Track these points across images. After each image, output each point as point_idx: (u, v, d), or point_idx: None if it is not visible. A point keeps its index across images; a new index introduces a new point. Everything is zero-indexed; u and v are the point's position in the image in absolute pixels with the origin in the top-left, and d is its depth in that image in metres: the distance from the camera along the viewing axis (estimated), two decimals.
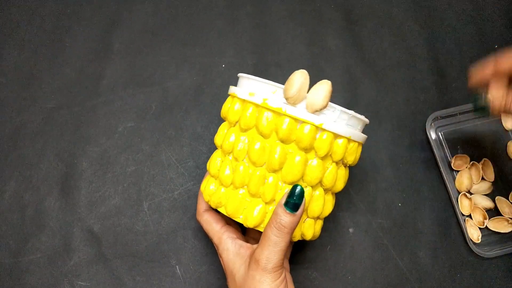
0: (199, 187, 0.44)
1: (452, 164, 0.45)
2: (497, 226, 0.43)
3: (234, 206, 0.32)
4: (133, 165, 0.45)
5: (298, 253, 0.42)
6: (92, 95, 0.47)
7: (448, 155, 0.46)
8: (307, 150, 0.30)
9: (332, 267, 0.42)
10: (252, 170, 0.31)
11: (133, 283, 0.41)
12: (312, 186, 0.31)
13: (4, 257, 0.41)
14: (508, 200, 0.44)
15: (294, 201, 0.29)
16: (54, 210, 0.43)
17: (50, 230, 0.42)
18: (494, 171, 0.45)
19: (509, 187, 0.45)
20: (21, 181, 0.44)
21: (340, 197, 0.44)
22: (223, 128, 0.35)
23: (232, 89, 0.33)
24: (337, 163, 0.32)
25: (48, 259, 0.41)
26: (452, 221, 0.44)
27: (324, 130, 0.30)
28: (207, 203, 0.36)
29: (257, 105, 0.31)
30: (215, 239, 0.35)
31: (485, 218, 0.43)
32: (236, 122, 0.32)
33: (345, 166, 0.34)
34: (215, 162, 0.34)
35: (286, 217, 0.29)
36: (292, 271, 0.41)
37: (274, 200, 0.31)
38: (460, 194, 0.44)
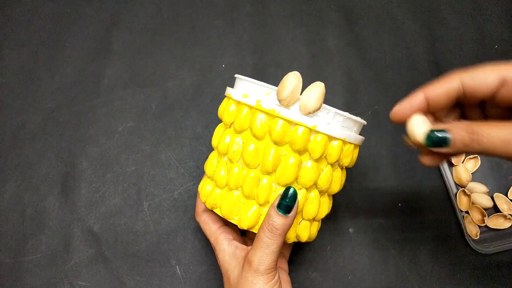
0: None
1: (451, 159, 0.45)
2: (496, 223, 0.44)
3: (228, 207, 0.32)
4: (133, 165, 0.45)
5: (297, 253, 0.42)
6: (92, 95, 0.47)
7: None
8: (301, 152, 0.30)
9: (332, 267, 0.42)
10: (246, 171, 0.31)
11: (133, 283, 0.41)
12: (306, 188, 0.31)
13: (4, 257, 0.41)
14: (507, 196, 0.44)
15: (286, 203, 0.29)
16: (54, 210, 0.43)
17: (50, 230, 0.42)
18: (493, 169, 0.46)
19: (508, 184, 0.45)
20: (21, 181, 0.44)
21: (340, 197, 0.44)
22: (219, 130, 0.35)
23: (228, 90, 0.33)
24: (332, 165, 0.32)
25: (48, 259, 0.41)
26: (451, 220, 0.44)
27: (318, 132, 0.30)
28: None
29: (251, 107, 0.31)
30: (212, 240, 0.35)
31: (484, 216, 0.43)
32: (231, 123, 0.32)
33: (341, 168, 0.34)
34: (211, 163, 0.34)
35: (278, 219, 0.29)
36: (292, 271, 0.41)
37: (268, 202, 0.31)
38: (459, 191, 0.44)
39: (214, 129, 0.36)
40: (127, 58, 0.49)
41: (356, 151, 0.33)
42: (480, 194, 0.44)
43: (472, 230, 0.43)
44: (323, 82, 0.30)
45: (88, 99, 0.47)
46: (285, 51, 0.50)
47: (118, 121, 0.46)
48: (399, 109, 0.27)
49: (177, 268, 0.42)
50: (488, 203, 0.44)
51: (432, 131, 0.25)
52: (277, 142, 0.30)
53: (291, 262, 0.41)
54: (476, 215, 0.44)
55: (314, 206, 0.32)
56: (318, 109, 0.29)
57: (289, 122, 0.29)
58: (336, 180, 0.33)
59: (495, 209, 0.44)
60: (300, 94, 0.29)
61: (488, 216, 0.44)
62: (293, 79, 0.29)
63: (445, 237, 0.44)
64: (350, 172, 0.45)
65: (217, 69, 0.49)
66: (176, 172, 0.45)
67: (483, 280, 0.42)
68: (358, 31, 0.51)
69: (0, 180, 0.44)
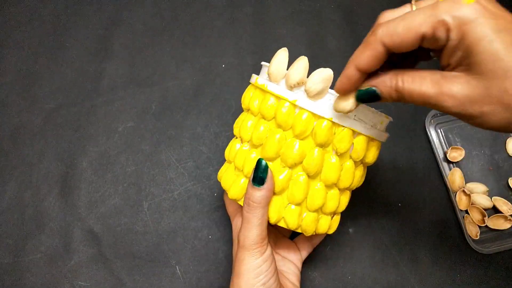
0: (199, 187, 0.44)
1: (447, 156, 0.45)
2: (496, 223, 0.44)
3: (228, 181, 0.34)
4: (133, 165, 0.45)
5: None
6: (92, 95, 0.47)
7: (447, 152, 0.46)
8: (281, 126, 0.30)
9: (332, 267, 0.42)
10: (240, 145, 0.33)
11: (133, 283, 0.41)
12: (290, 167, 0.31)
13: (4, 257, 0.41)
14: (508, 185, 0.45)
15: (258, 175, 0.30)
16: (54, 210, 0.43)
17: (50, 230, 0.42)
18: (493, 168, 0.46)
19: (508, 184, 0.45)
20: (21, 181, 0.44)
21: None
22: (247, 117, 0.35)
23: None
24: (321, 146, 0.30)
25: (48, 259, 0.41)
26: (451, 220, 0.44)
27: (302, 109, 0.29)
28: None
29: (252, 85, 0.33)
30: (231, 219, 0.38)
31: (484, 216, 0.43)
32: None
33: (338, 156, 0.31)
34: (229, 146, 0.36)
35: (254, 192, 0.30)
36: None
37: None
38: (459, 190, 0.44)
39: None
40: (127, 58, 0.49)
41: (351, 137, 0.30)
42: (479, 194, 0.44)
43: (472, 230, 0.43)
44: None
45: (88, 99, 0.47)
46: None
47: (118, 121, 0.46)
48: (341, 86, 0.27)
49: (177, 268, 0.42)
50: (487, 203, 0.44)
51: (359, 90, 0.27)
52: (264, 117, 0.31)
53: None
54: (476, 215, 0.44)
55: (300, 188, 0.31)
56: (303, 83, 0.29)
57: (277, 97, 0.30)
58: (330, 167, 0.31)
59: (495, 210, 0.44)
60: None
61: (488, 217, 0.44)
62: (280, 54, 0.30)
63: (445, 237, 0.44)
64: None
65: (217, 69, 0.49)
66: (176, 172, 0.45)
67: (483, 280, 0.42)
68: (358, 31, 0.51)
69: (0, 180, 0.44)
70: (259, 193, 0.30)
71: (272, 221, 0.32)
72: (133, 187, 0.44)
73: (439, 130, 0.47)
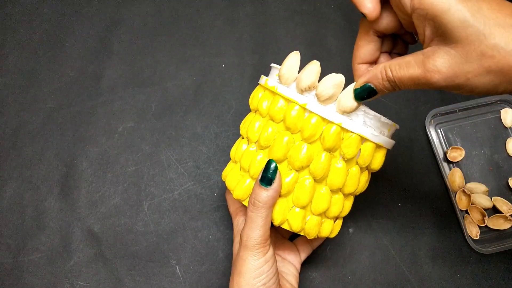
0: (199, 187, 0.44)
1: (447, 156, 0.45)
2: (496, 223, 0.44)
3: (233, 181, 0.34)
4: (133, 165, 0.45)
5: None
6: (92, 95, 0.47)
7: (447, 152, 0.46)
8: (290, 129, 0.30)
9: (332, 267, 0.42)
10: (246, 146, 0.33)
11: (133, 283, 0.41)
12: (297, 170, 0.31)
13: (4, 257, 0.41)
14: (508, 185, 0.45)
15: (267, 175, 0.30)
16: (54, 210, 0.43)
17: (50, 230, 0.42)
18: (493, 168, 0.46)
19: (508, 184, 0.45)
20: (21, 181, 0.44)
21: None
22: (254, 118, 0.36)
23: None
24: (329, 151, 0.30)
25: (48, 259, 0.41)
26: (451, 220, 0.44)
27: (311, 112, 0.29)
28: None
29: (261, 86, 0.33)
30: (232, 217, 0.38)
31: (484, 216, 0.43)
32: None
33: (345, 161, 0.31)
34: (235, 146, 0.36)
35: (260, 192, 0.30)
36: None
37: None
38: (459, 190, 0.44)
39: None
40: (127, 58, 0.49)
41: (369, 148, 0.31)
42: (479, 194, 0.44)
43: (472, 230, 0.43)
44: None
45: (88, 99, 0.47)
46: (285, 51, 0.49)
47: (118, 121, 0.46)
48: (360, 83, 0.29)
49: (177, 268, 0.42)
50: (487, 203, 0.44)
51: (355, 89, 0.29)
52: (273, 119, 0.31)
53: None
54: (476, 215, 0.44)
55: (305, 191, 0.31)
56: (314, 87, 0.29)
57: (287, 99, 0.30)
58: (336, 172, 0.31)
59: (495, 210, 0.44)
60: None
61: (488, 217, 0.44)
62: (292, 57, 0.30)
63: (445, 237, 0.44)
64: None
65: (217, 69, 0.49)
66: (176, 172, 0.45)
67: (483, 280, 0.42)
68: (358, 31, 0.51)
69: (0, 180, 0.44)
70: (265, 193, 0.30)
71: (276, 223, 0.31)
72: (133, 187, 0.44)
73: (439, 130, 0.47)
